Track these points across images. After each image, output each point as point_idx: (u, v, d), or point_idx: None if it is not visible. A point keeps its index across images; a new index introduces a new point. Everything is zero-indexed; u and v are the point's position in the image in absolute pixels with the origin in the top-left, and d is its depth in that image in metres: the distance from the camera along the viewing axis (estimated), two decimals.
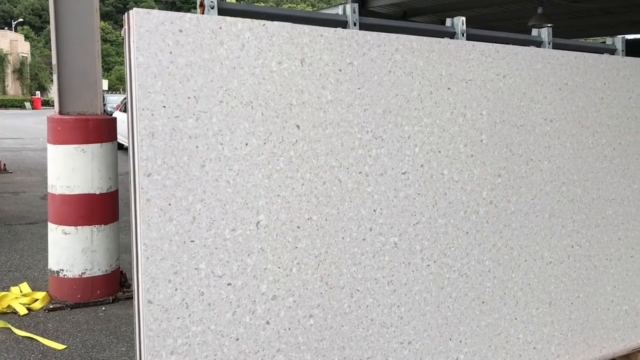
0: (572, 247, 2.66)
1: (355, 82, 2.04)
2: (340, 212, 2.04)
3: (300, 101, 1.94)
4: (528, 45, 2.57)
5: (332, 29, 2.00)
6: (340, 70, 2.01)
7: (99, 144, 3.77)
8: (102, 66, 4.27)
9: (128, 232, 5.59)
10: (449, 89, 2.26)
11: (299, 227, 1.97)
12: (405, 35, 2.16)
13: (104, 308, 3.81)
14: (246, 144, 1.86)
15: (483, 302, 2.41)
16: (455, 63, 2.27)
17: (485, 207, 2.39)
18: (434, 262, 2.27)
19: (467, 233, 2.35)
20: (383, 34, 2.10)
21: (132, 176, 1.74)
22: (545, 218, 2.57)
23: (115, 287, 3.95)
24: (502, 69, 2.39)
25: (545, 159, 2.55)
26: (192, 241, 1.78)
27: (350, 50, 2.03)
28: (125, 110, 15.13)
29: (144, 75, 1.69)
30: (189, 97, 1.76)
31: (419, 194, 2.21)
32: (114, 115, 15.23)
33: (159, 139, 1.72)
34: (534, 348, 2.57)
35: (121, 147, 14.44)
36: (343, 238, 2.05)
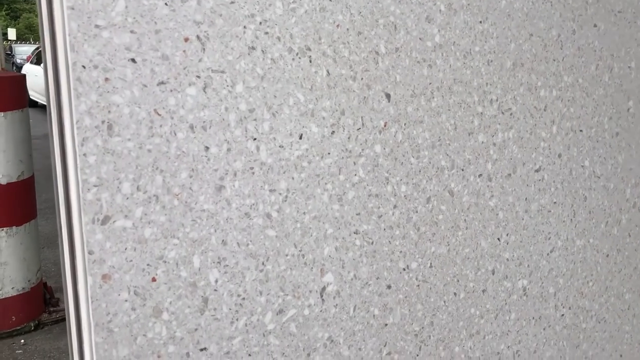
0: None
1: (475, 11, 1.11)
2: (451, 248, 1.13)
3: (393, 47, 1.00)
4: None
5: None
6: None
7: (2, 114, 2.67)
8: (8, 14, 3.08)
9: (49, 216, 4.49)
10: (595, 25, 1.36)
11: (389, 287, 1.05)
12: None
13: (22, 341, 2.78)
14: (300, 137, 0.91)
15: (621, 356, 1.59)
16: None
17: (628, 212, 1.54)
18: (569, 308, 1.41)
19: (607, 256, 1.50)
20: None
21: (61, 223, 0.77)
22: None
23: (37, 308, 2.91)
24: None
25: None
26: (203, 349, 0.84)
27: None
28: (38, 62, 13.35)
29: None
30: (186, 39, 0.78)
31: (554, 202, 1.33)
32: (24, 69, 13.44)
33: (124, 137, 0.74)
34: None
35: (34, 105, 12.77)
36: (456, 294, 1.16)
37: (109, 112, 0.73)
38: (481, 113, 1.15)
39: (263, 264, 0.88)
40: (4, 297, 2.75)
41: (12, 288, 2.77)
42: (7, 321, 2.77)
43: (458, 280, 1.15)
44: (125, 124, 0.74)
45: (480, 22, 1.12)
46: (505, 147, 1.20)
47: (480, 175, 1.16)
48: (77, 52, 0.70)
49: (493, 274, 1.22)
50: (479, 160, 1.15)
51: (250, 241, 0.87)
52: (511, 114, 1.20)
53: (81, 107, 0.71)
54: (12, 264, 2.75)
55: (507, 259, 1.24)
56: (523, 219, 1.26)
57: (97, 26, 0.71)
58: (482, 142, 1.15)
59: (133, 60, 0.74)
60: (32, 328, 2.86)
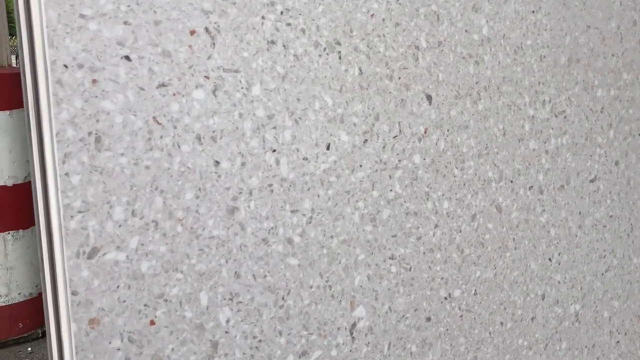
0: None
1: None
2: (498, 272, 0.99)
3: (435, 40, 0.85)
4: None
5: None
6: None
7: (8, 112, 2.56)
8: None
9: None
10: None
11: (429, 320, 0.91)
12: None
13: (29, 349, 2.67)
14: (327, 147, 0.76)
15: None
16: None
17: None
18: (625, 334, 1.26)
19: None
20: None
21: (43, 258, 0.64)
22: None
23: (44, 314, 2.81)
24: None
25: None
26: None
27: None
28: None
29: None
30: (192, 32, 0.64)
31: (610, 216, 1.18)
32: None
33: (116, 151, 0.61)
34: None
35: None
36: (502, 324, 1.01)
37: (97, 121, 0.59)
38: (532, 116, 1.00)
39: (283, 298, 0.75)
40: (10, 303, 2.64)
41: (19, 294, 2.67)
42: (13, 328, 2.67)
43: (505, 308, 1.01)
44: (118, 136, 0.60)
45: (533, 12, 0.97)
46: (559, 155, 1.05)
47: (530, 188, 1.01)
48: (57, 49, 0.57)
49: (543, 299, 1.07)
50: (530, 171, 1.01)
51: (268, 272, 0.73)
52: (565, 117, 1.05)
53: (62, 116, 0.58)
54: (18, 268, 2.65)
55: (559, 282, 1.09)
56: (576, 236, 1.11)
57: (82, 16, 0.58)
58: (534, 150, 1.01)
59: (127, 57, 0.60)
60: (40, 335, 2.76)
